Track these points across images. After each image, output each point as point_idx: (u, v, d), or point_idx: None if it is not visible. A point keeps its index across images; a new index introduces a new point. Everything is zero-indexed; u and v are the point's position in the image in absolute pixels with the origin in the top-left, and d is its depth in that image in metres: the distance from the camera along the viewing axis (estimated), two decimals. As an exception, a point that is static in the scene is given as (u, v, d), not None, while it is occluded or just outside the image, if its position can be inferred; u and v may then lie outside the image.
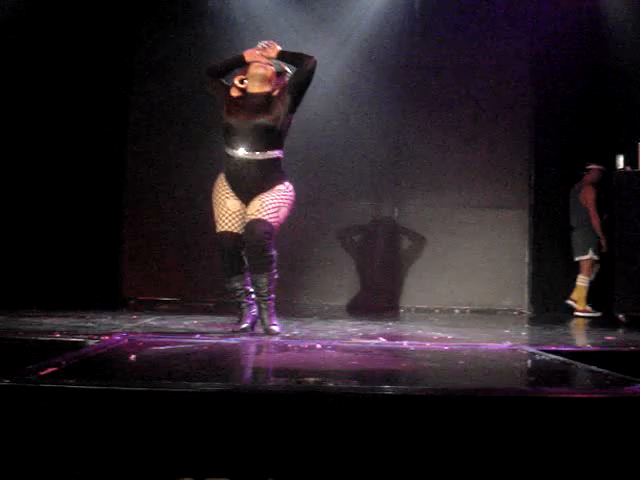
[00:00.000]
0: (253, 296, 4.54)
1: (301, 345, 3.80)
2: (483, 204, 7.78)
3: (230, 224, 4.47)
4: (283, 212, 4.48)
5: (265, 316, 4.45)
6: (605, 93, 7.55)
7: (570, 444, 2.37)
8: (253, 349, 3.60)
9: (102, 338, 3.72)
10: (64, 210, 7.39)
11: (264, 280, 4.42)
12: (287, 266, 7.15)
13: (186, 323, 5.08)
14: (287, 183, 4.53)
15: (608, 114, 7.44)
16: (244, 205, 4.50)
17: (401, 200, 7.79)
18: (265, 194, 4.43)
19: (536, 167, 7.79)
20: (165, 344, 3.62)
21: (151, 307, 6.60)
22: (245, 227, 4.43)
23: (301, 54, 4.55)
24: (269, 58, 4.54)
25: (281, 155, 4.51)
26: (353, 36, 7.66)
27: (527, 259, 7.79)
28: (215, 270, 7.41)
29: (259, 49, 4.54)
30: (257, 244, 4.35)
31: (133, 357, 3.12)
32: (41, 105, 7.28)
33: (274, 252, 4.43)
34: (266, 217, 4.37)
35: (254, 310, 4.54)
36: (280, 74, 4.60)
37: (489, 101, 7.77)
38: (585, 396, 2.50)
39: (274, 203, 4.42)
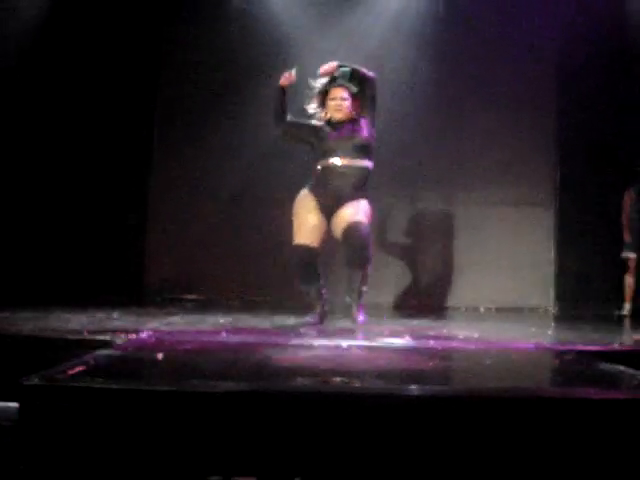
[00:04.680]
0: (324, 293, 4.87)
1: (327, 344, 3.79)
2: (508, 201, 7.72)
3: (309, 238, 4.70)
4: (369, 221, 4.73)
5: (353, 307, 4.69)
6: (632, 88, 7.47)
7: (598, 445, 2.35)
8: (279, 348, 3.61)
9: (129, 336, 3.74)
10: (90, 207, 7.46)
11: (358, 277, 4.65)
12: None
13: (211, 321, 5.10)
14: (368, 201, 4.76)
15: (635, 110, 7.36)
16: (325, 220, 4.73)
17: (425, 198, 7.75)
18: (354, 202, 4.67)
19: (561, 164, 7.72)
20: (191, 343, 3.64)
21: (177, 304, 6.63)
22: (344, 228, 4.62)
23: (359, 69, 4.75)
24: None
25: (371, 166, 4.77)
26: (376, 28, 7.63)
27: (553, 256, 7.73)
28: (240, 267, 7.51)
29: (287, 77, 4.70)
30: (359, 242, 4.57)
31: (160, 356, 3.13)
32: (70, 99, 7.41)
33: (371, 252, 4.65)
34: (363, 219, 4.62)
35: (326, 307, 4.87)
36: (355, 95, 4.74)
37: (514, 97, 7.70)
38: (613, 397, 2.47)
39: (364, 211, 4.69)
